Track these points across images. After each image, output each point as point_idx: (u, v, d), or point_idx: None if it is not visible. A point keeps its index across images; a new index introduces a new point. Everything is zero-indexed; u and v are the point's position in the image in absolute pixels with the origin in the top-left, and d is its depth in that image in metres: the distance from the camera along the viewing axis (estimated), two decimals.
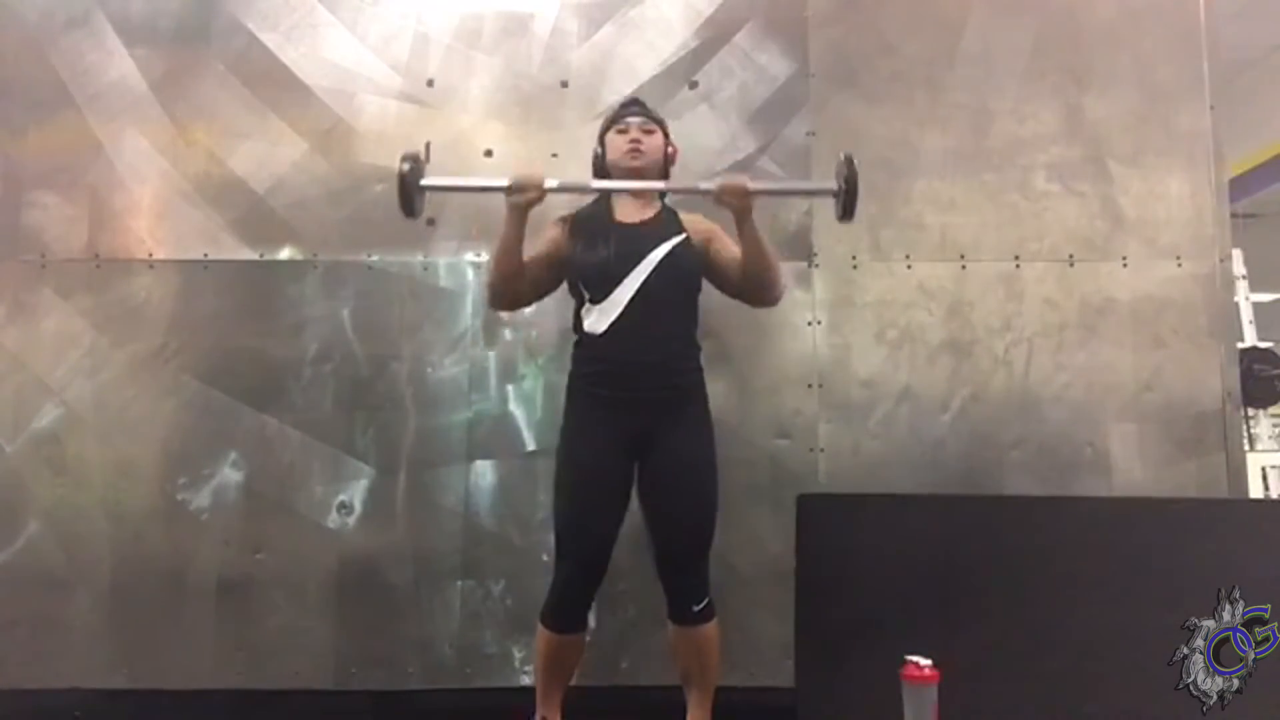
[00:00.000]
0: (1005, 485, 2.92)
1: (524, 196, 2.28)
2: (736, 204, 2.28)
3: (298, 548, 2.91)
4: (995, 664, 2.48)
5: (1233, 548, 2.57)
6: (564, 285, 2.47)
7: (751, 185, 2.30)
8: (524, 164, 2.94)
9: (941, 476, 2.92)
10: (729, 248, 2.41)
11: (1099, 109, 3.07)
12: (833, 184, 2.36)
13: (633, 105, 2.53)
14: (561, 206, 2.55)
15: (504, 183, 2.30)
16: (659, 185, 2.45)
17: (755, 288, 2.40)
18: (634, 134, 2.44)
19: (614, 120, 2.50)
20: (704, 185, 2.36)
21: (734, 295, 2.47)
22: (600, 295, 2.33)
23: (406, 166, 2.32)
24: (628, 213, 2.44)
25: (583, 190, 2.44)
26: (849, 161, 2.32)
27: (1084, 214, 3.04)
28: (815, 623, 2.57)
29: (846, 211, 2.35)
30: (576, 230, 2.43)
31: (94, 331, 2.99)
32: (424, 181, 2.36)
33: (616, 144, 2.45)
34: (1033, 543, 2.61)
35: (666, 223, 2.43)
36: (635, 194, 2.45)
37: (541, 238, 2.44)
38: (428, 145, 3.01)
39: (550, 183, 2.31)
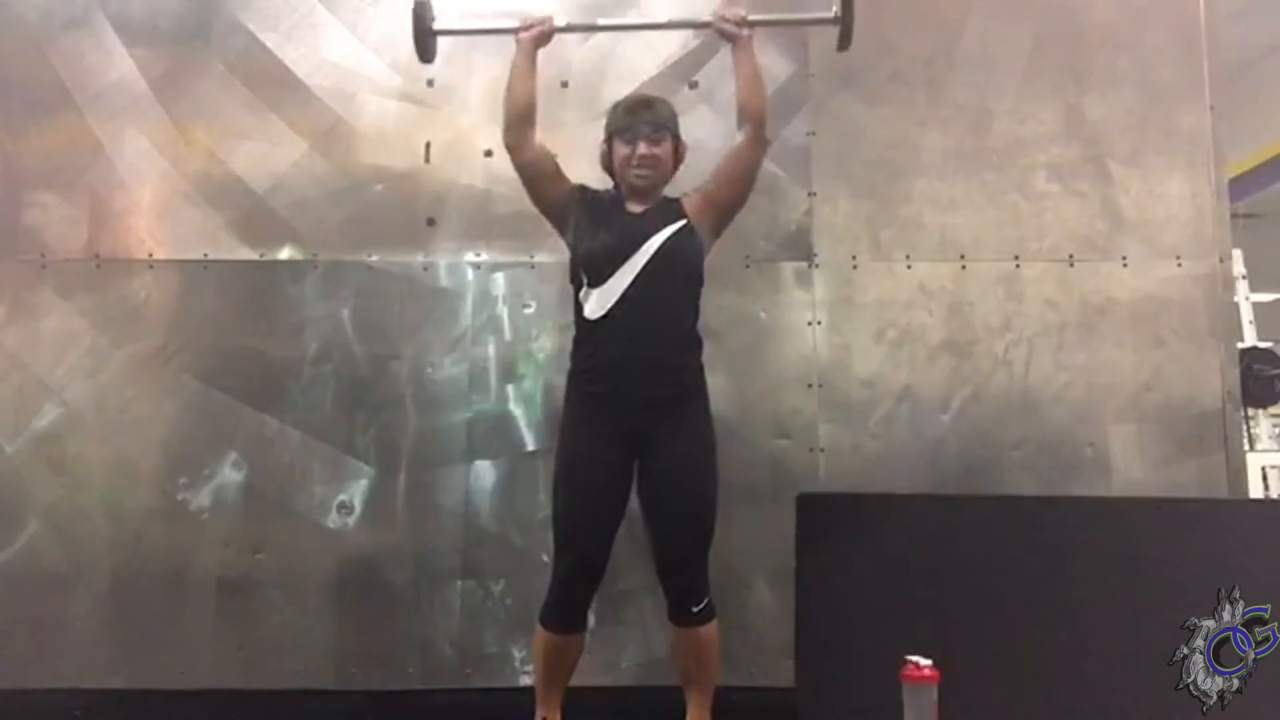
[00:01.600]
0: (1005, 485, 2.92)
1: (531, 32, 2.42)
2: (733, 31, 2.40)
3: (298, 548, 2.91)
4: (995, 664, 2.48)
5: (1233, 548, 2.57)
6: (562, 278, 2.49)
7: (749, 16, 2.42)
8: None
9: (941, 476, 2.92)
10: (718, 166, 2.45)
11: (1099, 109, 3.07)
12: (829, 12, 2.46)
13: (644, 110, 2.41)
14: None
15: (514, 24, 2.45)
16: (663, 23, 2.61)
17: (750, 121, 2.39)
18: (642, 149, 2.36)
19: (623, 128, 2.40)
20: (703, 18, 2.48)
21: (737, 181, 2.43)
22: (599, 279, 2.32)
23: (418, 13, 2.46)
24: (632, 202, 2.42)
25: (590, 29, 2.59)
26: None
27: (1084, 214, 3.04)
28: (815, 623, 2.57)
29: (844, 38, 2.46)
30: (584, 206, 2.41)
31: (94, 331, 2.99)
32: (436, 26, 2.51)
33: (623, 156, 2.39)
34: (1033, 543, 2.60)
35: (668, 210, 2.40)
36: (640, 192, 2.40)
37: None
38: (428, 145, 3.04)
39: (559, 21, 2.47)
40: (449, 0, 3.06)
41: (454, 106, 3.06)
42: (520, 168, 2.45)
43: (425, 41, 2.51)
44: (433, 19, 2.51)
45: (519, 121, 2.41)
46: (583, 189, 2.46)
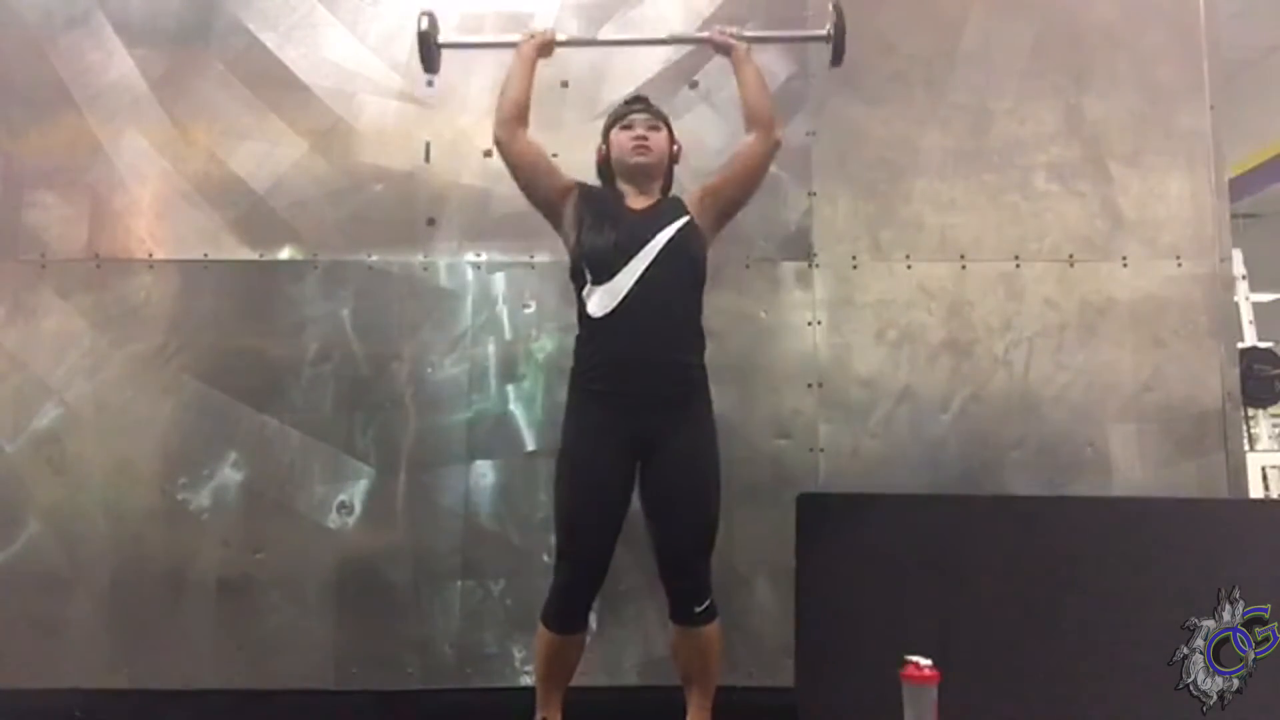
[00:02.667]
0: (1005, 485, 2.92)
1: (533, 41, 2.49)
2: (729, 44, 2.49)
3: (298, 548, 2.91)
4: (995, 664, 2.48)
5: (1233, 548, 2.57)
6: (562, 277, 2.49)
7: (745, 32, 2.55)
8: None
9: (941, 476, 2.92)
10: (723, 165, 2.54)
11: (1099, 109, 3.07)
12: (822, 30, 2.57)
13: (637, 102, 2.54)
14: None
15: (517, 39, 2.53)
16: (660, 38, 2.68)
17: (758, 125, 2.45)
18: (639, 130, 2.45)
19: (619, 118, 2.50)
20: (701, 35, 2.60)
21: (744, 176, 2.47)
22: (603, 276, 2.32)
23: (425, 23, 2.54)
24: (635, 200, 2.45)
25: (590, 44, 2.65)
26: (838, 9, 2.51)
27: (1084, 214, 3.04)
28: (815, 623, 2.57)
29: (836, 56, 2.54)
30: (585, 202, 2.42)
31: (94, 331, 2.99)
32: (441, 39, 2.59)
33: (622, 140, 2.45)
34: (1033, 543, 2.61)
35: (671, 207, 2.44)
36: (640, 183, 2.45)
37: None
38: (428, 145, 3.04)
39: (561, 36, 2.55)
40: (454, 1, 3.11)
41: (454, 106, 3.06)
42: (511, 159, 2.45)
43: (430, 53, 2.56)
44: (438, 31, 2.57)
45: (512, 118, 2.43)
46: (581, 185, 2.47)
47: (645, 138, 2.43)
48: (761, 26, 3.07)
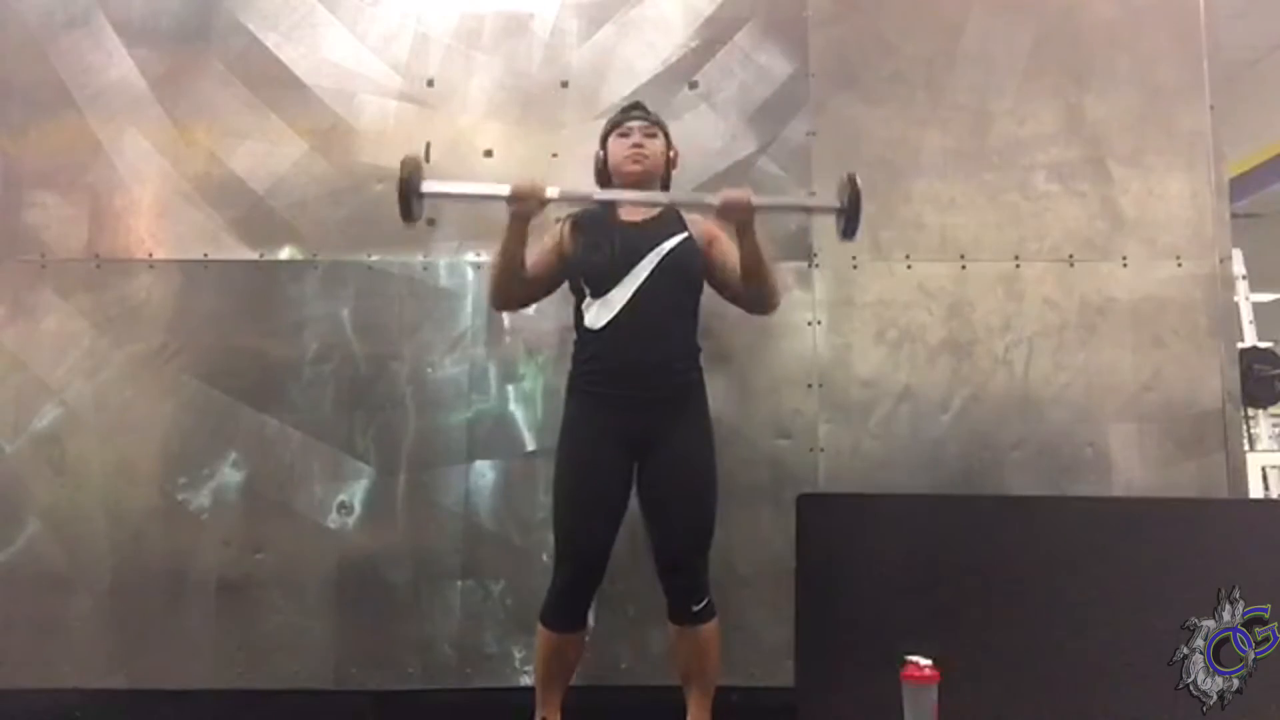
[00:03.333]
0: (1005, 485, 2.91)
1: (524, 206, 2.27)
2: (738, 217, 2.30)
3: (298, 548, 2.91)
4: (995, 664, 2.48)
5: (1233, 548, 2.57)
6: (564, 284, 2.49)
7: (754, 200, 2.29)
8: (525, 165, 2.94)
9: (941, 476, 2.92)
10: (730, 252, 2.40)
11: (1099, 109, 3.07)
12: (835, 202, 2.40)
13: (634, 110, 2.55)
14: (565, 208, 2.55)
15: (504, 191, 2.29)
16: (662, 197, 2.46)
17: (753, 297, 2.41)
18: (636, 138, 2.46)
19: (615, 125, 2.51)
20: (708, 199, 2.34)
21: (731, 299, 2.49)
22: (601, 290, 2.34)
23: (406, 173, 2.30)
24: (631, 212, 2.45)
25: (584, 199, 2.45)
26: (852, 180, 2.34)
27: (1084, 214, 3.04)
28: (815, 623, 2.57)
29: (848, 231, 2.40)
30: (579, 229, 2.44)
31: (94, 331, 2.99)
32: (424, 188, 2.34)
33: (618, 148, 2.46)
34: (1033, 543, 2.60)
35: (669, 221, 2.43)
36: (634, 188, 2.45)
37: (544, 239, 2.47)
38: (428, 145, 3.04)
39: (551, 192, 2.30)
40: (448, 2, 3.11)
41: (454, 106, 3.06)
42: (524, 306, 2.56)
43: (411, 202, 2.31)
44: (421, 179, 2.33)
45: (513, 298, 2.46)
46: (571, 220, 2.47)
47: (641, 145, 2.44)
48: (761, 24, 3.09)
